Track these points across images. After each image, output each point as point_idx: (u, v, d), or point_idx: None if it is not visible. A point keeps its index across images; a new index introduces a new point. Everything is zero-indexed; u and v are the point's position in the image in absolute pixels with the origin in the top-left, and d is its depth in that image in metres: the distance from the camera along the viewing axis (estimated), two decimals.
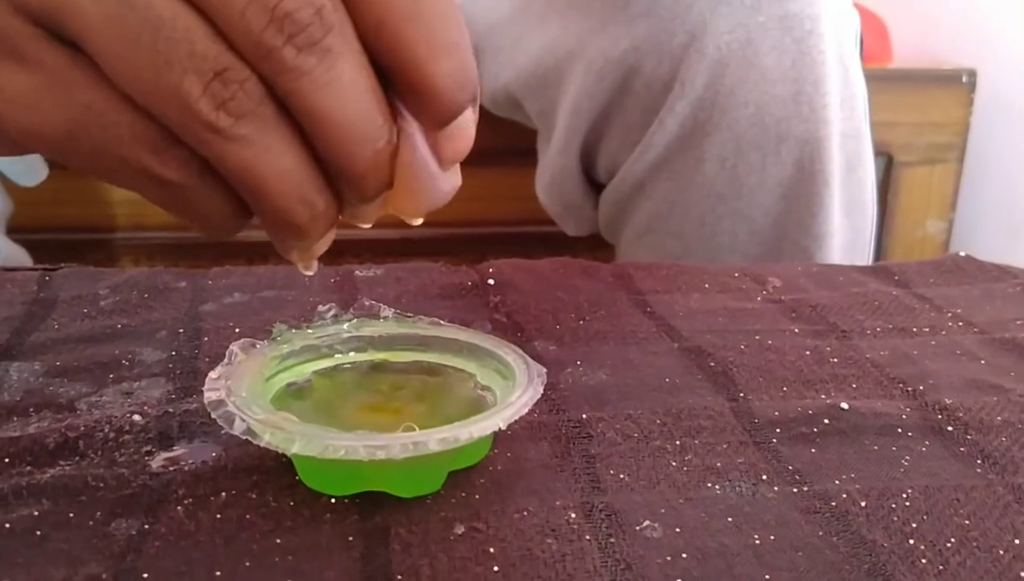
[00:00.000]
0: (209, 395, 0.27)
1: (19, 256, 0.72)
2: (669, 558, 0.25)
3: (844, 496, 0.28)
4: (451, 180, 0.28)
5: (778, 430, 0.32)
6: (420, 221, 0.28)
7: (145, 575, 0.24)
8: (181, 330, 0.39)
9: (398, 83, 0.25)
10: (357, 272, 0.46)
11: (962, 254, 0.51)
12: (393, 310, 0.33)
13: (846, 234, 0.64)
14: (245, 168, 0.24)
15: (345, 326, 0.33)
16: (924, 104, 1.05)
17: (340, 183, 0.26)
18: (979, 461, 0.31)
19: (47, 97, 0.24)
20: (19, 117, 0.24)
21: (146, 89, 0.23)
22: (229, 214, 0.26)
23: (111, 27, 0.22)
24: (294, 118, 0.24)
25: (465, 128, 0.26)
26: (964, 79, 1.05)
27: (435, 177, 0.27)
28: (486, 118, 0.78)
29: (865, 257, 0.66)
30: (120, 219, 0.88)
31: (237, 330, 0.39)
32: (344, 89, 0.24)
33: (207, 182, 0.25)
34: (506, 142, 0.81)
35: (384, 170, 0.26)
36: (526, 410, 0.28)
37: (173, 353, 0.37)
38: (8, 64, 0.23)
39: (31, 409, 0.32)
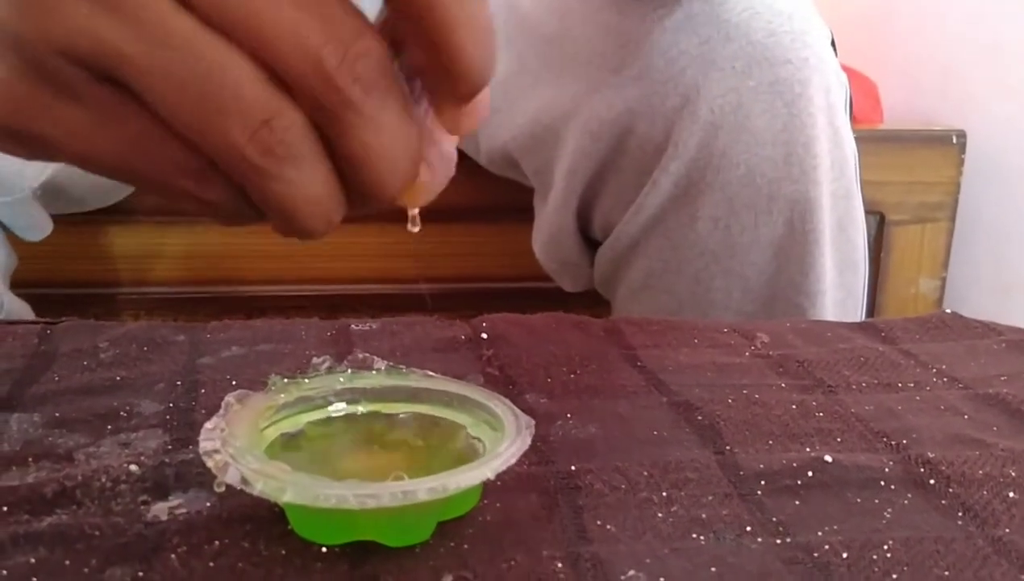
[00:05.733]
0: (205, 444, 0.28)
1: (22, 310, 0.73)
2: None
3: (826, 547, 0.29)
4: (447, 166, 0.29)
5: (763, 482, 0.33)
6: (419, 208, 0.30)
7: None
8: (179, 382, 0.40)
9: (429, 62, 0.26)
10: (353, 326, 0.47)
11: (948, 311, 0.52)
12: (386, 362, 0.34)
13: (838, 292, 0.65)
14: (281, 201, 0.26)
15: (339, 378, 0.33)
16: (915, 164, 1.07)
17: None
18: (960, 514, 0.31)
19: (98, 130, 0.25)
20: (73, 146, 0.25)
21: (194, 131, 0.24)
22: (252, 219, 0.27)
23: (161, 76, 0.23)
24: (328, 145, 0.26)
25: (484, 100, 0.27)
26: (954, 139, 1.07)
27: (436, 168, 0.28)
28: (484, 176, 0.79)
29: (857, 315, 0.67)
30: (122, 274, 0.89)
31: (234, 382, 0.40)
32: (394, 127, 0.25)
33: (242, 201, 0.26)
34: (504, 199, 0.83)
35: (408, 186, 0.27)
36: (514, 460, 0.28)
37: (170, 405, 0.37)
38: (61, 99, 0.25)
39: (30, 459, 0.33)
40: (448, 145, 0.29)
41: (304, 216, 0.26)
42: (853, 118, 0.67)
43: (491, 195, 0.85)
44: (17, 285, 0.75)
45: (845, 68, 0.66)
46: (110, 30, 0.23)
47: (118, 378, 0.40)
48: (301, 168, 0.25)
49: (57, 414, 0.36)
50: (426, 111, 0.28)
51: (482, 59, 0.26)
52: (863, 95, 1.17)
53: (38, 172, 0.70)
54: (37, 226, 0.73)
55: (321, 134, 0.25)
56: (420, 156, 0.27)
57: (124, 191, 0.82)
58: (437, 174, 0.29)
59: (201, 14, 0.23)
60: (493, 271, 0.90)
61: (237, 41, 0.24)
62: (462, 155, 0.80)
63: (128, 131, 0.25)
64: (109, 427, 0.35)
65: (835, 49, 0.64)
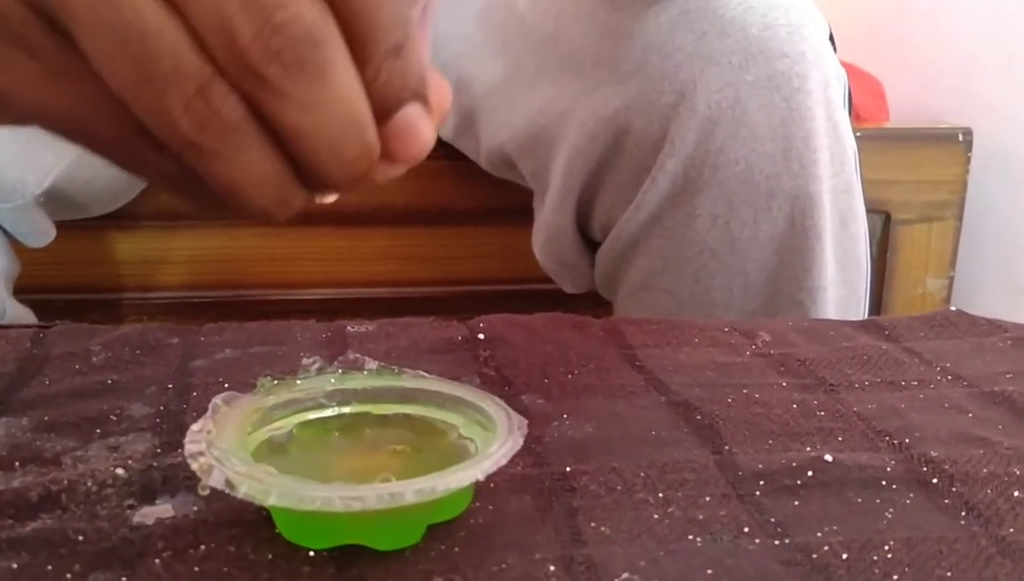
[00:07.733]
0: (190, 447, 0.27)
1: (25, 316, 0.73)
2: None
3: (826, 548, 0.28)
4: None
5: (762, 483, 0.32)
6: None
7: None
8: (171, 385, 0.39)
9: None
10: (349, 328, 0.46)
11: (953, 309, 0.51)
12: (377, 363, 0.34)
13: (840, 288, 0.64)
14: (225, 181, 0.24)
15: (329, 379, 0.33)
16: (921, 162, 1.06)
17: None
18: (963, 513, 0.31)
19: (52, 84, 0.24)
20: (27, 98, 0.24)
21: (131, 97, 0.23)
22: (208, 195, 0.26)
23: (100, 34, 0.22)
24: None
25: (416, 124, 0.25)
26: (960, 137, 1.06)
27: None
28: (483, 178, 0.79)
29: (860, 311, 0.66)
30: (125, 279, 0.89)
31: (226, 385, 0.39)
32: (331, 108, 0.23)
33: (195, 176, 0.25)
34: (503, 201, 0.82)
35: (365, 174, 0.25)
36: (505, 461, 0.28)
37: (161, 408, 0.37)
38: (16, 50, 0.23)
39: (16, 463, 0.32)
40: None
41: (251, 197, 0.24)
42: (854, 114, 0.67)
43: (491, 197, 0.84)
44: (20, 291, 0.75)
45: (849, 66, 0.66)
46: None
47: (109, 381, 0.39)
48: (238, 145, 0.23)
49: (46, 418, 0.36)
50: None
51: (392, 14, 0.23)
52: (868, 93, 1.17)
53: (41, 179, 0.70)
54: (40, 232, 0.73)
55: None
56: (371, 136, 0.24)
57: (127, 197, 0.82)
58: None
59: None
60: (493, 273, 0.90)
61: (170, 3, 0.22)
62: (462, 157, 0.80)
63: (80, 88, 0.24)
64: (98, 431, 0.35)
65: (834, 44, 0.63)
